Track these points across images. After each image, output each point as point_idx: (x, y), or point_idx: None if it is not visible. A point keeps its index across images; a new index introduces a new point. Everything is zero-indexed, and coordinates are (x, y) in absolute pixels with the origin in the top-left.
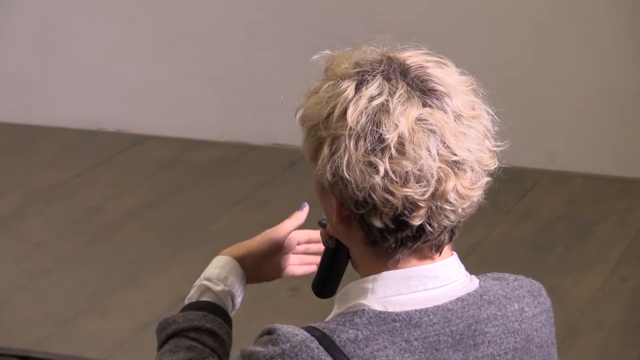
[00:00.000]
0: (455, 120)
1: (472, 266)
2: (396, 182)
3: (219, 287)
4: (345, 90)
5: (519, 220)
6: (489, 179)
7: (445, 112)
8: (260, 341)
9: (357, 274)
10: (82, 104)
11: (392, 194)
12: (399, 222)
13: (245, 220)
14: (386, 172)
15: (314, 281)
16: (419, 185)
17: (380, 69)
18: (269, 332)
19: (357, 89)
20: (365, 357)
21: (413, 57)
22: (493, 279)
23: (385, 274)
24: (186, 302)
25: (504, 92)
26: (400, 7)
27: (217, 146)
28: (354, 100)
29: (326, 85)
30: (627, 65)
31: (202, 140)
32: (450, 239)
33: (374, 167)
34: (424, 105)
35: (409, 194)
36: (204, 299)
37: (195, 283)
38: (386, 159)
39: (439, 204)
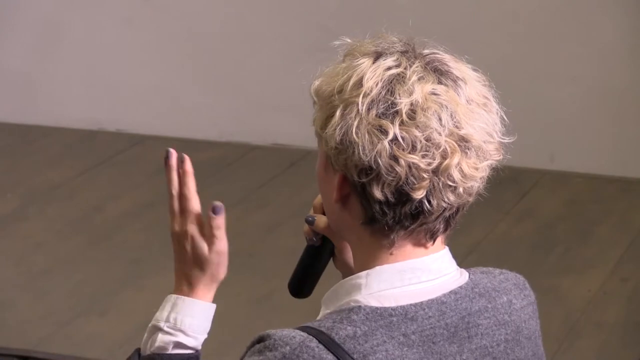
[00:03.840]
0: (467, 102)
1: (472, 266)
2: (403, 148)
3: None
4: (363, 62)
5: (519, 220)
6: (493, 162)
7: (458, 94)
8: (253, 351)
9: (337, 275)
10: (82, 104)
11: (397, 160)
12: (400, 193)
13: (245, 220)
14: (395, 136)
15: (291, 279)
16: (425, 155)
17: (398, 48)
18: (261, 339)
19: (375, 61)
20: (366, 353)
21: (430, 49)
22: (481, 273)
23: (378, 268)
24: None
25: (504, 92)
26: (401, 7)
27: (217, 146)
28: (371, 69)
29: (344, 63)
30: (627, 65)
31: (202, 140)
32: (445, 230)
33: (383, 130)
34: (439, 82)
35: (414, 161)
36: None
37: (163, 327)
38: (396, 124)
39: (442, 179)
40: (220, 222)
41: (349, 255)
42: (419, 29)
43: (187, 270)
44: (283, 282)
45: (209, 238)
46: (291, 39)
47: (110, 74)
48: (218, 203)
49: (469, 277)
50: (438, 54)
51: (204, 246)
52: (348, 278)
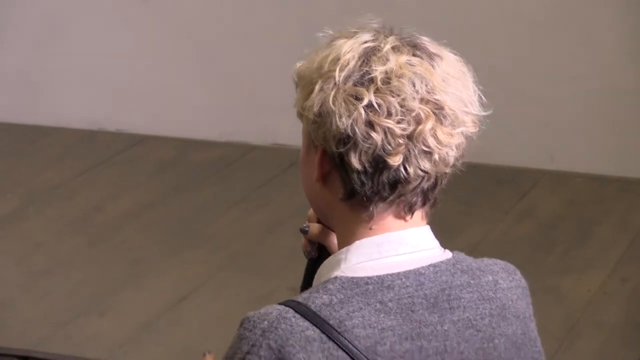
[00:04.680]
0: (442, 73)
1: None
2: (379, 114)
3: None
4: (340, 42)
5: (519, 220)
6: (467, 130)
7: (433, 67)
8: (235, 339)
9: None
10: (82, 104)
11: (373, 126)
12: (377, 161)
13: (245, 220)
14: (370, 102)
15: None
16: (401, 120)
17: (375, 27)
18: (241, 323)
19: (352, 38)
20: (342, 319)
21: (409, 31)
22: (467, 256)
23: (357, 242)
24: None
25: (504, 92)
26: (401, 8)
27: (217, 146)
28: (348, 44)
29: (323, 46)
30: (627, 65)
31: (202, 140)
32: (423, 204)
33: (358, 97)
34: (414, 55)
35: (389, 126)
36: None
37: None
38: (371, 91)
39: (418, 144)
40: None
41: None
42: (419, 29)
43: None
44: (283, 282)
45: None
46: (291, 38)
47: (110, 73)
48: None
49: (453, 255)
50: (415, 35)
51: None
52: (330, 257)
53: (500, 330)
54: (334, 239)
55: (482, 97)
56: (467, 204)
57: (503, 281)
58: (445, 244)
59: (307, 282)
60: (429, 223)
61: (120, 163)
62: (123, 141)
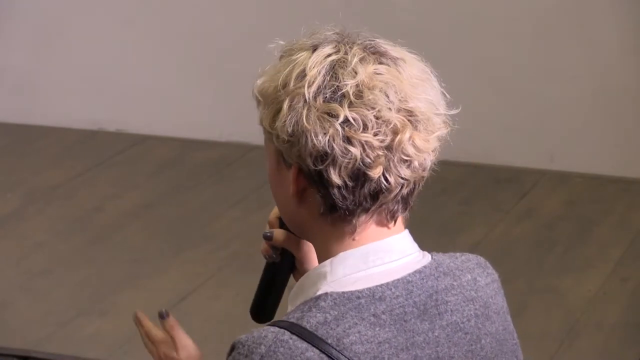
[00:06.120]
0: (409, 78)
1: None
2: (355, 128)
3: None
4: (302, 55)
5: (519, 220)
6: (441, 134)
7: (399, 72)
8: None
9: None
10: (82, 104)
11: (350, 141)
12: (358, 175)
13: (245, 220)
14: (346, 118)
15: (253, 304)
16: (377, 132)
17: (334, 38)
18: (233, 348)
19: (313, 52)
20: (339, 336)
21: (365, 36)
22: (442, 255)
23: (341, 254)
24: None
25: (504, 92)
26: (402, 7)
27: (217, 146)
28: (312, 59)
29: (281, 61)
30: (627, 65)
31: (202, 140)
32: (405, 210)
33: (333, 114)
34: (380, 62)
35: (367, 139)
36: None
37: None
38: (345, 106)
39: (397, 154)
40: (171, 322)
41: (311, 264)
42: (419, 29)
43: None
44: None
45: (171, 341)
46: (292, 38)
47: (110, 74)
48: (161, 310)
49: (432, 257)
50: (373, 40)
51: (172, 353)
52: (312, 269)
53: (486, 329)
54: (302, 245)
55: (446, 94)
56: (467, 204)
57: (480, 278)
58: (445, 244)
59: (266, 288)
60: (428, 223)
61: (120, 163)
62: (123, 141)
